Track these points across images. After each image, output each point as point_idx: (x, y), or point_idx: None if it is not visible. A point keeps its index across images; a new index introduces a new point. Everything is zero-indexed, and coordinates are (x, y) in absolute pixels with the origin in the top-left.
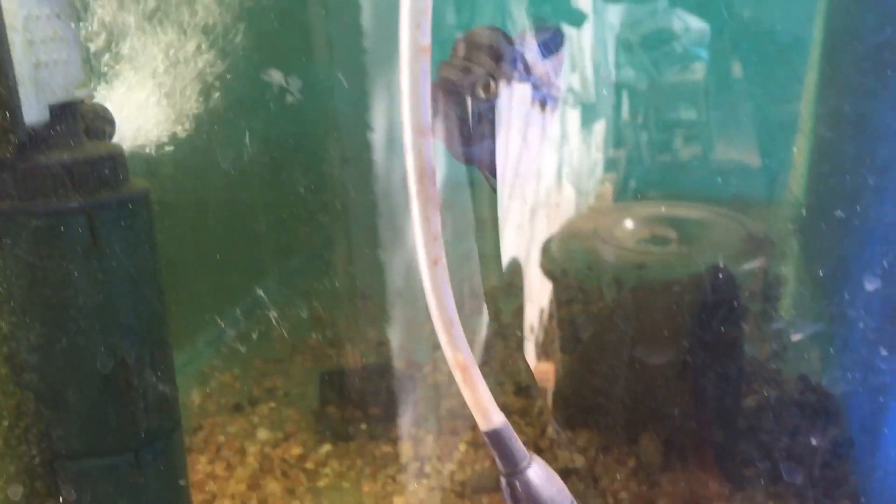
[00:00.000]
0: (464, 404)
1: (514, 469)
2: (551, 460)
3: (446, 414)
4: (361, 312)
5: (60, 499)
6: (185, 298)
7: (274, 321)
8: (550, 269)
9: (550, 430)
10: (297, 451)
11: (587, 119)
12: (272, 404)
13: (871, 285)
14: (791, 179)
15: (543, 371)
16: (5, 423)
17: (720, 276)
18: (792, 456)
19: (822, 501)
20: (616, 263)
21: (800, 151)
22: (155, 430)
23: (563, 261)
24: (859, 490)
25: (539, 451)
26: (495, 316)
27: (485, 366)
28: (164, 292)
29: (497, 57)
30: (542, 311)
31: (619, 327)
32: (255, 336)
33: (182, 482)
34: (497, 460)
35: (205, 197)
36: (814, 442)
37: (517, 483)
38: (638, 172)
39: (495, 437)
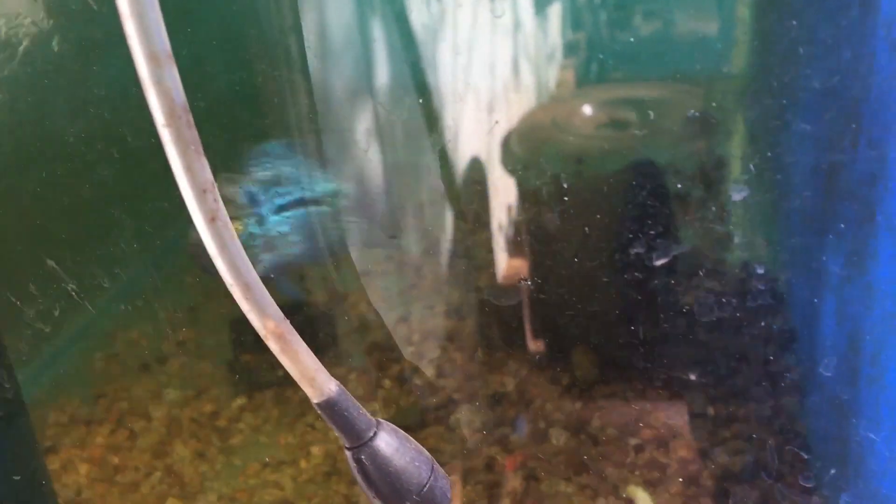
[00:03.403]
0: (389, 336)
1: (358, 441)
2: (481, 386)
3: (369, 347)
4: None
5: None
6: (82, 250)
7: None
8: (510, 165)
9: (480, 352)
10: (208, 408)
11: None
12: (183, 359)
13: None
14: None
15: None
16: None
17: (645, 166)
18: (733, 354)
19: (764, 400)
20: (575, 153)
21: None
22: None
23: (522, 155)
24: (801, 383)
25: (469, 378)
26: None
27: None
28: None
29: None
30: (502, 212)
31: (549, 229)
32: (162, 285)
33: (28, 467)
34: (337, 434)
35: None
36: (753, 337)
37: (363, 457)
38: (599, 55)
39: (330, 408)
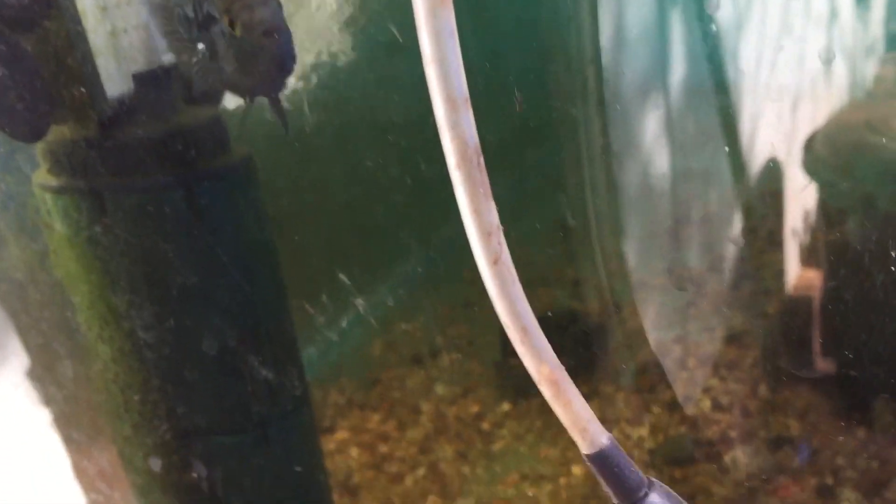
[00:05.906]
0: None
1: (627, 500)
2: (760, 426)
3: (641, 367)
4: (560, 246)
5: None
6: (368, 236)
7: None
8: (813, 168)
9: (763, 388)
10: (474, 408)
11: None
12: (455, 355)
13: None
14: None
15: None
16: (136, 397)
17: None
18: None
19: None
20: (892, 159)
21: None
22: (275, 410)
23: (828, 158)
24: None
25: (746, 415)
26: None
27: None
28: (277, 264)
29: None
30: (798, 222)
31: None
32: (442, 279)
33: (311, 460)
34: (605, 489)
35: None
36: None
37: None
38: None
39: (601, 461)
